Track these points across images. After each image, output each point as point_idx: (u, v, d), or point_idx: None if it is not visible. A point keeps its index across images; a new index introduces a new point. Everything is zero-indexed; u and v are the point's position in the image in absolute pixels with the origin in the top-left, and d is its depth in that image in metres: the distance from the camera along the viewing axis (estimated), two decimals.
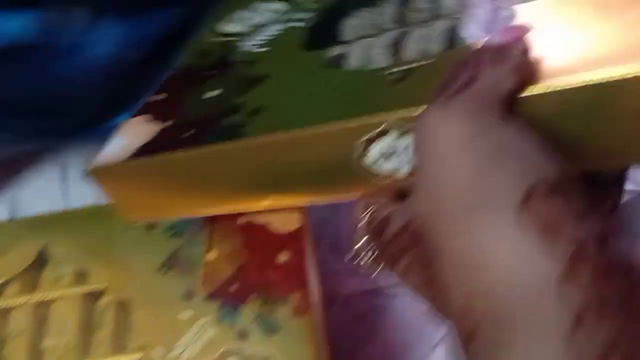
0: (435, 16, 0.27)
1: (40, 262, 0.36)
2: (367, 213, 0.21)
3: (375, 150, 0.22)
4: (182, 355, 0.31)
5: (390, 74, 0.25)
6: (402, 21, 0.28)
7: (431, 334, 0.39)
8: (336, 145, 0.23)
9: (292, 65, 0.30)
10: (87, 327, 0.34)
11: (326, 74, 0.28)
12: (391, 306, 0.40)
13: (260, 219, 0.34)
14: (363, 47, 0.28)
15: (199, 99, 0.32)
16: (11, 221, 0.43)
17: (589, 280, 0.13)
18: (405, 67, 0.25)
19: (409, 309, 0.39)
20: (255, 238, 0.34)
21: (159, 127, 0.31)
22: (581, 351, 0.13)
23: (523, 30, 0.20)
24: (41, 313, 0.35)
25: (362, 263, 0.21)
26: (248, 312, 0.32)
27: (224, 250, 0.34)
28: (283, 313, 0.31)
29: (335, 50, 0.29)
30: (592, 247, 0.14)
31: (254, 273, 0.33)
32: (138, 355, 0.32)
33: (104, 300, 0.34)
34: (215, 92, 0.32)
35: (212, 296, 0.32)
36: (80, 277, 0.35)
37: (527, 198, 0.14)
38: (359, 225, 0.21)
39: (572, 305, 0.13)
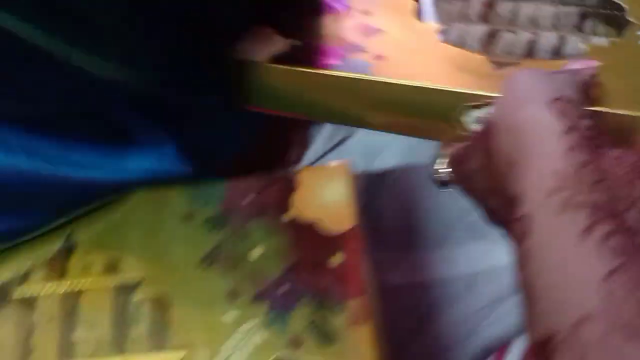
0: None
1: (67, 248, 0.34)
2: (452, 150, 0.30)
3: (474, 114, 0.29)
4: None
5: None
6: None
7: (483, 329, 0.39)
8: (448, 102, 0.29)
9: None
10: (122, 322, 0.32)
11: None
12: (442, 300, 0.39)
13: (309, 216, 0.32)
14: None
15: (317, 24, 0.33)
16: None
17: (580, 137, 0.23)
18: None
19: (460, 303, 0.39)
20: (303, 237, 0.32)
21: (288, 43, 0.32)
22: (572, 159, 0.23)
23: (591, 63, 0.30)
24: (70, 304, 0.33)
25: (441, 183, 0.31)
26: (300, 318, 0.30)
27: (271, 247, 0.32)
28: (340, 321, 0.30)
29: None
30: (582, 129, 0.24)
31: (305, 275, 0.31)
32: (180, 353, 0.30)
33: (139, 294, 0.32)
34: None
35: (259, 297, 0.31)
36: (111, 267, 0.33)
37: (553, 101, 0.24)
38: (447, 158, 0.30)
39: (568, 140, 0.23)
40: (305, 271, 0.31)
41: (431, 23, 0.33)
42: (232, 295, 0.31)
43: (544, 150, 0.23)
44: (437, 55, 0.32)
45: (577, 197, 0.22)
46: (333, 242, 0.32)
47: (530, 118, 0.24)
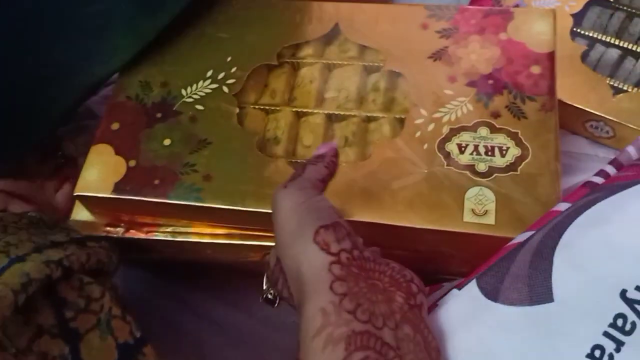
0: None
1: (333, 34, 0.46)
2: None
3: None
4: (443, 118, 0.40)
5: None
6: None
7: None
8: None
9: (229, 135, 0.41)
10: (363, 89, 0.43)
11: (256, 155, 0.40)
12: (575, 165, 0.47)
13: (520, 37, 0.42)
14: None
15: (155, 145, 0.42)
16: None
17: (343, 265, 0.27)
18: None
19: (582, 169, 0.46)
20: (513, 50, 0.41)
21: (125, 165, 0.41)
22: (334, 294, 0.26)
23: (333, 145, 0.36)
24: (326, 73, 0.44)
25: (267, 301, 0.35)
26: (501, 100, 0.39)
27: (483, 54, 0.42)
28: (532, 106, 0.39)
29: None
30: (344, 257, 0.27)
31: (509, 75, 0.40)
32: (406, 111, 0.41)
33: (379, 73, 0.43)
34: (167, 142, 0.41)
35: (470, 84, 0.41)
36: (363, 52, 0.45)
37: (317, 233, 0.28)
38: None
39: (333, 273, 0.26)
40: (510, 72, 0.40)
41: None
42: (450, 80, 0.41)
43: (313, 288, 0.26)
44: None
45: (336, 331, 0.24)
46: (534, 57, 0.41)
47: (301, 256, 0.27)
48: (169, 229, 0.43)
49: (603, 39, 0.50)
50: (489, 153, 0.38)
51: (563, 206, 0.32)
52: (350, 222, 0.37)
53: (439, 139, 0.39)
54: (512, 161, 0.37)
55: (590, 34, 0.51)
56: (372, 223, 0.37)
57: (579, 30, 0.51)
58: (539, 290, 0.28)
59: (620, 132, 0.47)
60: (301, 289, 0.27)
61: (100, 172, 0.41)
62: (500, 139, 0.38)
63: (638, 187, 0.29)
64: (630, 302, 0.26)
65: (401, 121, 0.41)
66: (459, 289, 0.30)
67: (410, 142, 0.39)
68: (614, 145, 0.49)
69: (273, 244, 0.32)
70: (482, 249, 0.36)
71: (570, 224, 0.29)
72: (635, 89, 0.47)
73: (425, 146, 0.39)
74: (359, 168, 0.39)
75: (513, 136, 0.38)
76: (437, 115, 0.40)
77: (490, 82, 0.40)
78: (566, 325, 0.26)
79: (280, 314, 0.41)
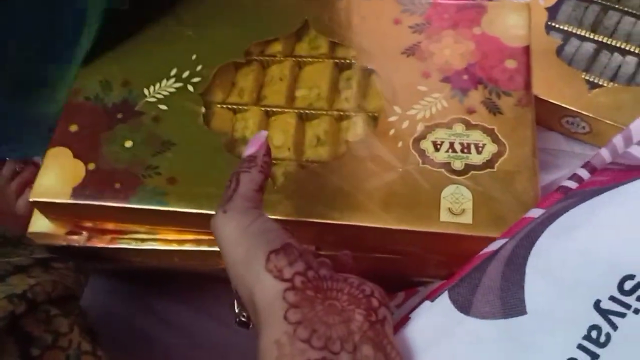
0: None
1: (302, 31, 0.44)
2: None
3: None
4: (417, 115, 0.38)
5: None
6: None
7: None
8: None
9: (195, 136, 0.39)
10: (335, 86, 0.42)
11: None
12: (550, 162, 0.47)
13: (494, 32, 0.41)
14: None
15: (116, 147, 0.39)
16: None
17: (298, 290, 0.25)
18: None
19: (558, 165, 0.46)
20: (487, 45, 0.40)
21: (84, 169, 0.39)
22: (288, 324, 0.24)
23: (261, 137, 0.31)
24: (296, 71, 0.43)
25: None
26: (476, 96, 0.38)
27: (457, 48, 0.41)
28: (507, 102, 0.38)
29: None
30: (298, 281, 0.26)
31: (483, 70, 0.39)
32: (377, 111, 0.39)
33: (352, 69, 0.42)
34: (129, 144, 0.39)
35: (445, 80, 0.39)
36: (334, 49, 0.43)
37: (268, 259, 0.26)
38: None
39: (287, 301, 0.25)
40: (485, 67, 0.39)
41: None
42: (425, 76, 0.40)
43: (268, 318, 0.25)
44: None
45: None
46: (509, 52, 0.40)
47: (255, 286, 0.26)
48: (134, 236, 0.41)
49: (578, 32, 0.50)
50: (465, 150, 0.36)
51: (536, 212, 0.31)
52: (323, 224, 0.35)
53: (414, 137, 0.37)
54: (488, 158, 0.36)
55: (565, 28, 0.50)
56: (346, 225, 0.35)
57: (553, 24, 0.50)
58: (511, 303, 0.27)
59: (597, 127, 0.46)
60: (257, 318, 0.26)
61: (57, 177, 0.39)
62: (476, 136, 0.37)
63: (610, 193, 0.29)
64: (604, 313, 0.26)
65: (375, 119, 0.39)
66: (432, 300, 0.29)
67: (384, 141, 0.38)
68: (590, 140, 0.48)
69: None
70: (459, 249, 0.35)
71: (543, 231, 0.28)
72: (611, 83, 0.47)
73: (400, 144, 0.37)
74: (331, 168, 0.37)
75: (489, 132, 0.37)
76: (411, 112, 0.38)
77: (465, 77, 0.39)
78: (540, 339, 0.26)
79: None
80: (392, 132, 0.38)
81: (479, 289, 0.28)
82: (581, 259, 0.27)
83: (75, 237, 0.41)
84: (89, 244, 0.41)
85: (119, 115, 0.41)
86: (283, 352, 0.24)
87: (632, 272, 0.26)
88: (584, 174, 0.32)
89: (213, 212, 0.35)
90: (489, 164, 0.36)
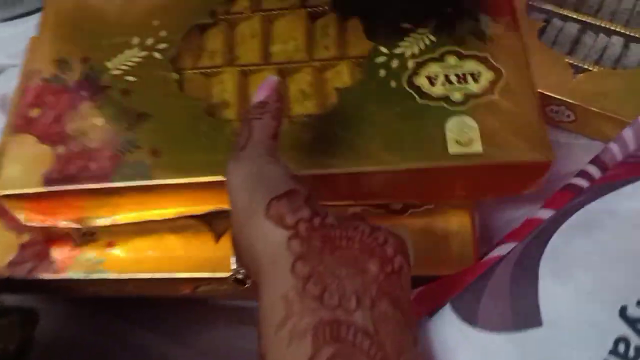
0: None
1: None
2: None
3: None
4: (405, 53, 0.36)
5: None
6: None
7: None
8: None
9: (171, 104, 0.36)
10: (312, 36, 0.39)
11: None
12: None
13: None
14: None
15: (85, 126, 0.36)
16: None
17: (303, 238, 0.23)
18: None
19: None
20: None
21: (53, 153, 0.35)
22: (296, 278, 0.22)
23: (272, 83, 0.29)
24: (267, 25, 0.40)
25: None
26: (463, 27, 0.37)
27: None
28: (495, 28, 0.36)
29: None
30: (303, 229, 0.23)
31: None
32: (361, 55, 0.37)
33: (325, 18, 0.40)
34: (100, 121, 0.36)
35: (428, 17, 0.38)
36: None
37: (269, 206, 0.24)
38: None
39: (293, 251, 0.23)
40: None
41: None
42: (407, 12, 0.38)
43: (271, 271, 0.23)
44: None
45: (301, 322, 0.21)
46: None
47: (254, 234, 0.24)
48: (82, 270, 0.37)
49: (560, 12, 0.47)
50: (462, 81, 0.35)
51: (544, 213, 0.28)
52: (326, 176, 0.33)
53: (407, 75, 0.35)
54: (487, 86, 0.34)
55: (547, 8, 0.48)
56: (349, 174, 0.33)
57: (534, 4, 0.48)
58: (524, 312, 0.24)
59: (583, 115, 0.43)
60: (258, 272, 0.24)
61: (23, 166, 0.35)
62: (471, 66, 0.35)
63: (629, 188, 0.26)
64: (632, 322, 0.22)
65: (360, 64, 0.37)
66: (430, 315, 0.27)
67: (375, 84, 0.35)
68: (575, 129, 0.45)
69: (206, 274, 0.32)
70: (470, 184, 0.33)
71: (556, 230, 0.26)
72: (596, 67, 0.44)
73: (394, 84, 0.35)
74: (324, 118, 0.35)
75: (483, 60, 0.35)
76: (398, 50, 0.36)
77: (449, 9, 0.38)
78: (560, 356, 0.23)
79: (220, 345, 0.39)
80: (382, 73, 0.36)
81: (485, 295, 0.25)
82: (603, 260, 0.24)
83: (18, 267, 0.37)
84: (35, 276, 0.37)
85: (83, 93, 0.37)
86: (291, 310, 0.21)
87: None
88: (594, 170, 0.30)
89: (204, 180, 0.33)
90: (488, 91, 0.34)
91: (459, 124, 0.33)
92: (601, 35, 0.45)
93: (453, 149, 0.32)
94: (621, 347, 0.22)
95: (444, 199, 0.35)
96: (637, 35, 0.45)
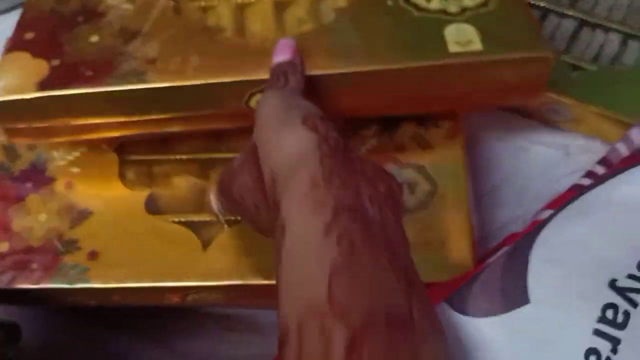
0: None
1: None
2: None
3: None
4: None
5: None
6: None
7: None
8: (228, 94, 0.34)
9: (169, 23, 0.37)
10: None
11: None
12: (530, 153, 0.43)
13: None
14: None
15: (82, 43, 0.36)
16: None
17: (331, 146, 0.25)
18: None
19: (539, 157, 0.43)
20: None
21: (47, 65, 0.35)
22: (324, 167, 0.24)
23: (292, 44, 0.33)
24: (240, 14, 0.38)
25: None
26: (405, 131, 0.37)
27: None
28: (436, 133, 0.37)
29: None
30: (331, 140, 0.25)
31: (409, 102, 0.37)
32: None
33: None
34: (95, 38, 0.36)
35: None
36: None
37: (305, 118, 0.26)
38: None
39: (322, 150, 0.25)
40: (410, 99, 0.37)
41: None
42: None
43: (301, 160, 0.25)
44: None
45: (325, 198, 0.23)
46: None
47: (288, 135, 0.26)
48: (65, 279, 0.35)
49: (557, 9, 0.46)
50: None
51: (546, 213, 0.28)
52: (327, 77, 0.34)
53: None
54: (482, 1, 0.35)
55: (543, 4, 0.47)
56: (353, 73, 0.34)
57: (530, 1, 0.47)
58: (513, 294, 0.24)
59: (580, 114, 0.42)
60: (282, 167, 0.25)
61: (18, 76, 0.34)
62: None
63: (629, 172, 0.26)
64: (621, 291, 0.22)
65: None
66: None
67: (372, 2, 0.36)
68: (573, 128, 0.44)
69: (195, 283, 0.33)
70: (471, 86, 0.35)
71: (550, 220, 0.26)
72: (594, 64, 0.43)
73: (390, 3, 0.36)
74: (322, 34, 0.35)
75: None
76: None
77: None
78: (549, 330, 0.22)
79: (207, 353, 0.39)
80: None
81: (477, 285, 0.25)
82: (595, 239, 0.24)
83: None
84: (14, 286, 0.35)
85: (80, 18, 0.37)
86: (317, 187, 0.23)
87: None
88: (600, 170, 0.30)
89: (195, 83, 0.34)
90: (484, 3, 0.35)
91: (457, 29, 0.34)
92: (598, 31, 0.44)
93: (453, 48, 0.33)
94: (609, 314, 0.22)
95: (447, 106, 0.37)
96: (634, 32, 0.44)
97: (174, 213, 0.37)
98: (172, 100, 0.35)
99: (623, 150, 0.30)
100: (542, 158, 0.44)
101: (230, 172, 0.31)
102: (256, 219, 0.29)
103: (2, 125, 0.36)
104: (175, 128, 0.36)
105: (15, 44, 0.36)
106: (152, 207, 0.37)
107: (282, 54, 0.33)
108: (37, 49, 0.36)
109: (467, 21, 0.34)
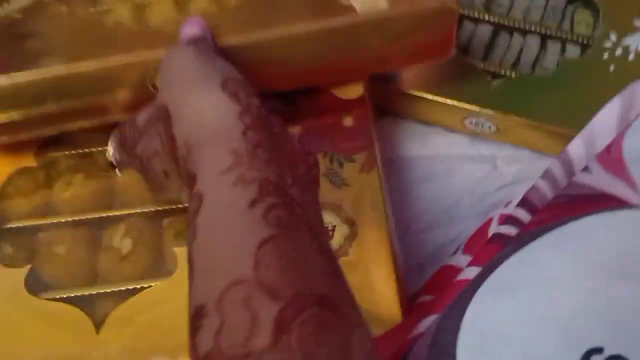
0: None
1: None
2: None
3: None
4: None
5: None
6: None
7: None
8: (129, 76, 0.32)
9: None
10: None
11: None
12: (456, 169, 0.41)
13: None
14: None
15: None
16: None
17: (253, 117, 0.24)
18: None
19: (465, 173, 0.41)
20: (320, 102, 0.36)
21: None
22: (247, 141, 0.23)
23: (199, 20, 0.31)
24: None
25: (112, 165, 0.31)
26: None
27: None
28: (351, 169, 0.34)
29: None
30: (254, 110, 0.24)
31: (321, 134, 0.35)
32: None
33: None
34: None
35: None
36: None
37: (224, 82, 0.25)
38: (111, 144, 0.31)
39: (244, 122, 0.24)
40: (322, 131, 0.36)
41: None
42: None
43: (221, 132, 0.24)
44: None
45: (249, 173, 0.22)
46: (345, 106, 0.36)
47: (205, 102, 0.25)
48: None
49: (470, 14, 0.43)
50: None
51: (471, 272, 0.25)
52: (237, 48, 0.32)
53: None
54: None
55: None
56: (258, 42, 0.33)
57: None
58: None
59: (504, 125, 0.40)
60: (200, 137, 0.24)
61: None
62: None
63: (553, 235, 0.23)
64: None
65: None
66: None
67: None
68: (499, 139, 0.41)
69: None
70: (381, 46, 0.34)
71: (474, 295, 0.23)
72: (514, 71, 0.40)
73: None
74: (226, 14, 0.34)
75: None
76: None
77: None
78: None
79: None
80: None
81: None
82: (527, 328, 0.21)
83: None
84: None
85: None
86: (240, 161, 0.22)
87: (598, 344, 0.20)
88: (522, 214, 0.27)
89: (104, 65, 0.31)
90: None
91: None
92: (516, 35, 0.42)
93: (359, 6, 0.32)
94: None
95: (358, 72, 0.36)
96: (553, 33, 0.42)
97: (59, 289, 0.32)
98: (72, 88, 0.32)
99: (544, 187, 0.27)
100: (469, 173, 0.41)
101: (134, 129, 0.28)
102: (164, 185, 0.28)
103: None
104: (79, 122, 0.34)
105: None
106: (34, 284, 0.32)
107: (190, 28, 0.31)
108: None
109: None
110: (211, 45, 0.30)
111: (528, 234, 0.24)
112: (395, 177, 0.41)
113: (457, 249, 0.36)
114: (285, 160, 0.24)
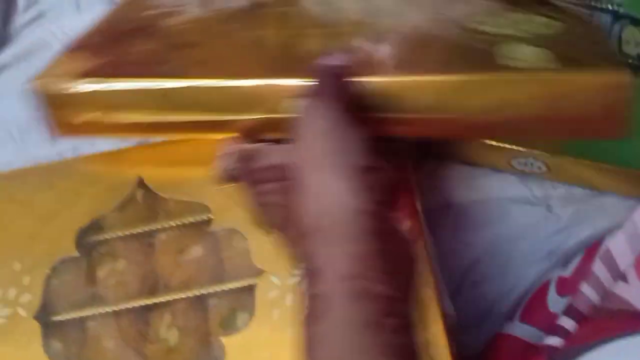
0: None
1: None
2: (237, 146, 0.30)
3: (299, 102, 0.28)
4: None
5: None
6: None
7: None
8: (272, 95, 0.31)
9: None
10: None
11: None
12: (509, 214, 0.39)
13: None
14: None
15: (133, 49, 0.34)
16: None
17: (375, 217, 0.24)
18: None
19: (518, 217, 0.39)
20: None
21: (98, 61, 0.33)
22: (368, 247, 0.23)
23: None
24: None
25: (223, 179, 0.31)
26: None
27: None
28: None
29: None
30: (374, 203, 0.24)
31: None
32: None
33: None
34: (149, 46, 0.34)
35: None
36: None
37: (355, 170, 0.25)
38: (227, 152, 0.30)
39: (362, 224, 0.24)
40: None
41: None
42: None
43: (340, 230, 0.24)
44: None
45: (371, 288, 0.23)
46: None
47: (329, 186, 0.25)
48: None
49: None
50: None
51: None
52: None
53: None
54: None
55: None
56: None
57: None
58: None
59: (555, 163, 0.37)
60: (318, 215, 0.24)
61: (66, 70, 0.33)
62: None
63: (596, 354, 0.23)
64: None
65: None
66: None
67: None
68: (551, 178, 0.39)
69: None
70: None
71: None
72: None
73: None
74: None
75: None
76: None
77: None
78: None
79: None
80: None
81: None
82: None
83: None
84: None
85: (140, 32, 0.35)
86: (358, 270, 0.23)
87: None
88: (569, 324, 0.26)
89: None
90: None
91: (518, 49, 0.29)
92: None
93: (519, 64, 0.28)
94: None
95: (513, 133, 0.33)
96: None
97: None
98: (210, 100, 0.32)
99: (590, 293, 0.26)
100: (522, 218, 0.39)
101: (264, 160, 0.29)
102: (281, 227, 0.28)
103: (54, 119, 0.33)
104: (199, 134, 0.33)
105: (79, 43, 0.35)
106: None
107: (334, 60, 0.29)
108: (96, 50, 0.34)
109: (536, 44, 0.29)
110: (347, 94, 0.28)
111: (571, 351, 0.23)
112: (443, 226, 0.39)
113: (514, 314, 0.34)
114: (403, 267, 0.24)
